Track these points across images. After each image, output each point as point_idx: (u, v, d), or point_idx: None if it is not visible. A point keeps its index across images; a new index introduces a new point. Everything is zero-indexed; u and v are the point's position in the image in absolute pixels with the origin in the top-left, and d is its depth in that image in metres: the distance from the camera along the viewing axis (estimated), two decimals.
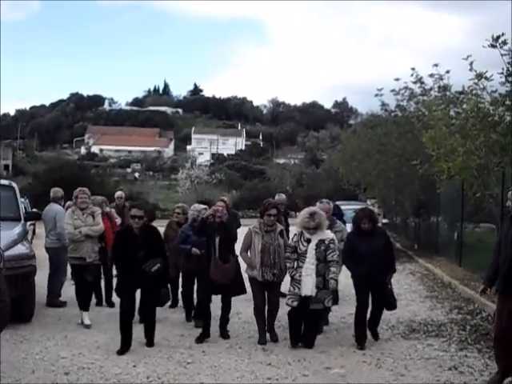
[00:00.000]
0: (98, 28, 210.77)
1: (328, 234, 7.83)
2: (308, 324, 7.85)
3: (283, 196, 12.12)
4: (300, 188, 57.33)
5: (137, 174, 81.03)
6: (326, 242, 7.69)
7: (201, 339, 8.06)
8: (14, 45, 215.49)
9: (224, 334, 8.33)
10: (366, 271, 7.76)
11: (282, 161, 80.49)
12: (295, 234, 7.91)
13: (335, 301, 8.47)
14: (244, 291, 8.42)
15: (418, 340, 8.41)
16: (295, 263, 7.73)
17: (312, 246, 7.66)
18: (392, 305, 8.32)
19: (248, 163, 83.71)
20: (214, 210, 8.30)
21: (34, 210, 14.22)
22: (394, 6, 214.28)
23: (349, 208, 15.35)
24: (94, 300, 10.09)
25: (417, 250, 20.55)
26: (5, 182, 11.26)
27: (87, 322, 8.85)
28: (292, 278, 7.78)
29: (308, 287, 7.55)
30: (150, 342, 7.81)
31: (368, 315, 8.17)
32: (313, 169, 62.39)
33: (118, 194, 13.43)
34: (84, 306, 9.02)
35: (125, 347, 7.50)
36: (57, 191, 10.85)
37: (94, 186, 36.31)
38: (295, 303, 7.67)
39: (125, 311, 7.64)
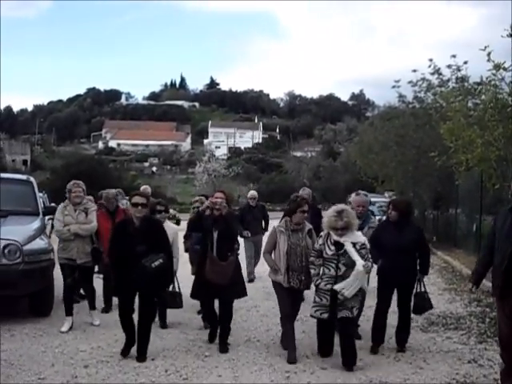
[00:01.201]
0: (114, 23, 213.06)
1: (359, 237, 6.87)
2: (343, 338, 6.86)
3: (307, 190, 11.09)
4: (317, 181, 57.36)
5: (154, 168, 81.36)
6: (357, 247, 6.73)
7: (211, 340, 7.67)
8: (32, 41, 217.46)
9: (223, 348, 7.34)
10: (389, 267, 7.18)
11: (298, 154, 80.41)
12: (320, 236, 6.99)
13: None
14: (244, 293, 7.60)
15: (436, 333, 8.36)
16: (321, 270, 6.84)
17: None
18: (422, 308, 7.55)
19: (265, 156, 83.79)
20: (212, 203, 7.43)
21: (53, 204, 14.25)
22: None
23: None
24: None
25: (435, 243, 20.42)
26: (23, 176, 11.33)
27: (97, 322, 8.60)
28: (317, 287, 6.88)
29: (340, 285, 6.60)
30: (141, 354, 6.95)
31: (390, 318, 7.67)
32: (330, 161, 62.31)
33: (144, 187, 11.64)
34: (69, 310, 8.42)
35: (128, 347, 7.12)
36: None
37: (111, 181, 36.81)
38: (325, 315, 6.79)
39: (122, 313, 7.11)
